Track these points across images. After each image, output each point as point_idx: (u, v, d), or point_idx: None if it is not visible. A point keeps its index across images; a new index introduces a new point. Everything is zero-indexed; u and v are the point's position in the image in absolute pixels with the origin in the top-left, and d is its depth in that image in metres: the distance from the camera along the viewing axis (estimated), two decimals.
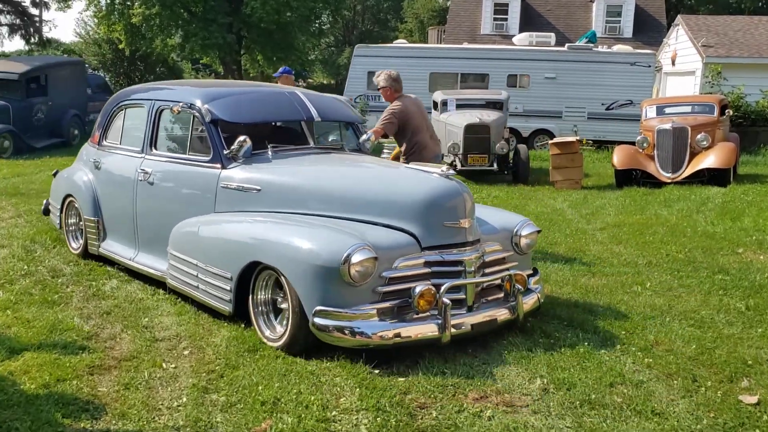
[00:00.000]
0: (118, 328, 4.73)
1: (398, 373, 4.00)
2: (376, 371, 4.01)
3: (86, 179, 6.48)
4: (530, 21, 27.64)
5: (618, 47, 19.51)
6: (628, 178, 11.98)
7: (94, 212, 6.27)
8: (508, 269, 4.60)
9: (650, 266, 6.53)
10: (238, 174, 5.01)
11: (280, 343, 4.30)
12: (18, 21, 23.93)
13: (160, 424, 3.43)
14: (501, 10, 27.86)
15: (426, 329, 4.10)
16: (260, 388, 3.76)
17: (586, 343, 4.44)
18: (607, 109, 17.99)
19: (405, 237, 4.27)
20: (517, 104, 17.65)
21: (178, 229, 5.14)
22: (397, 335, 4.05)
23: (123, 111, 6.33)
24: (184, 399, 3.67)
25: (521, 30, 25.54)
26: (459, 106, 13.57)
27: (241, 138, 4.99)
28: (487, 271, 4.55)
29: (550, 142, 12.70)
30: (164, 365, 4.12)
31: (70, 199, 6.70)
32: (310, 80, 50.47)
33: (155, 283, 5.57)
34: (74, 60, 20.35)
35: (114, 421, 3.44)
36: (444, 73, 18.68)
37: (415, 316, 4.13)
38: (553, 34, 21.25)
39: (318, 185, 4.80)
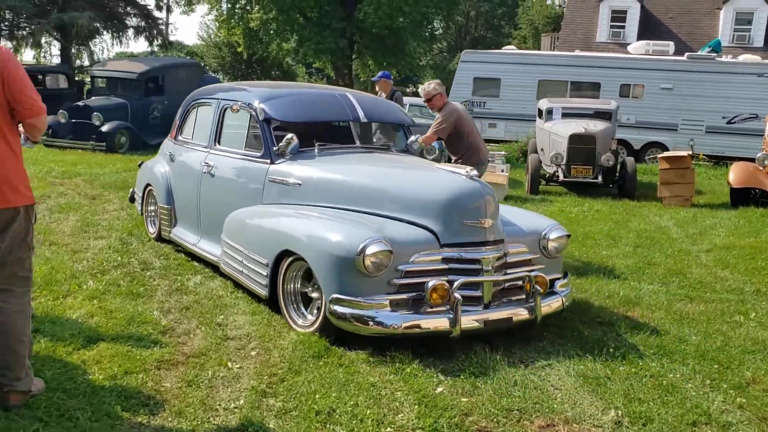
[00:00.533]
0: (193, 324, 4.80)
1: (462, 393, 3.83)
2: (440, 389, 3.85)
3: (163, 171, 6.97)
4: (649, 28, 26.46)
5: (744, 57, 18.32)
6: (745, 197, 11.11)
7: (167, 201, 6.77)
8: (530, 271, 4.63)
9: (758, 295, 6.00)
10: (283, 169, 5.34)
11: (312, 329, 4.54)
12: (143, 23, 25.28)
13: (213, 425, 3.42)
14: (619, 17, 26.87)
15: (437, 323, 4.25)
16: (317, 396, 3.69)
17: (671, 375, 4.10)
18: (729, 122, 16.93)
19: (424, 233, 4.44)
20: (629, 115, 16.93)
21: (230, 218, 5.50)
22: (408, 326, 4.21)
23: (196, 109, 6.74)
24: (242, 401, 3.65)
25: (639, 38, 24.50)
26: (565, 115, 13.14)
27: (289, 136, 5.30)
28: (510, 271, 4.63)
29: (659, 156, 12.03)
30: (229, 364, 4.13)
31: (150, 188, 7.24)
32: (420, 85, 50.29)
33: (238, 284, 5.64)
34: (191, 62, 21.25)
35: (170, 418, 3.46)
36: (553, 81, 18.19)
37: (429, 309, 4.27)
38: (671, 43, 20.23)
39: (351, 182, 5.09)
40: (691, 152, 12.49)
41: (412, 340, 4.35)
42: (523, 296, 4.62)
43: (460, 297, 4.21)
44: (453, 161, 6.42)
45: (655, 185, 11.84)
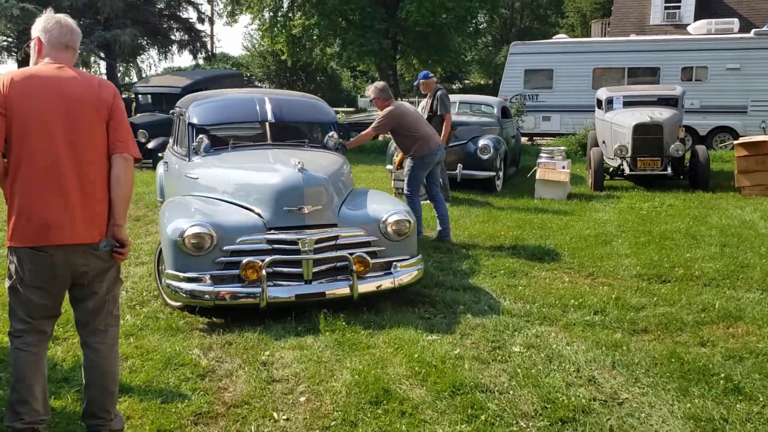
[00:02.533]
0: (236, 363, 4.30)
1: None
2: None
3: (160, 172, 8.28)
4: (707, 8, 25.09)
5: None
6: None
7: (160, 195, 8.25)
8: (351, 253, 5.05)
9: None
10: (192, 166, 6.12)
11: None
12: (186, 37, 25.25)
13: None
14: None
15: (246, 294, 4.86)
16: None
17: None
18: None
19: (253, 218, 5.08)
20: (693, 100, 15.92)
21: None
22: (218, 296, 4.86)
23: (177, 117, 7.47)
24: None
25: (696, 18, 23.22)
26: (627, 104, 12.30)
27: (200, 137, 6.18)
28: (339, 252, 5.09)
29: (736, 142, 11.09)
30: (275, 415, 3.61)
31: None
32: (466, 81, 49.68)
33: (284, 309, 5.14)
34: (233, 72, 21.05)
35: None
36: (609, 68, 17.33)
37: (245, 284, 4.87)
38: (736, 20, 19.08)
39: (222, 176, 5.77)
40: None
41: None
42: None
43: (265, 273, 4.78)
44: (407, 158, 7.39)
45: (728, 174, 10.98)
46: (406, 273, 5.27)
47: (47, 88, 2.97)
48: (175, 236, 4.90)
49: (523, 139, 16.64)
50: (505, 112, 12.75)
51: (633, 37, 20.02)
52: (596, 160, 11.42)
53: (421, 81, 9.51)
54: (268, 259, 4.83)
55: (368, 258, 5.06)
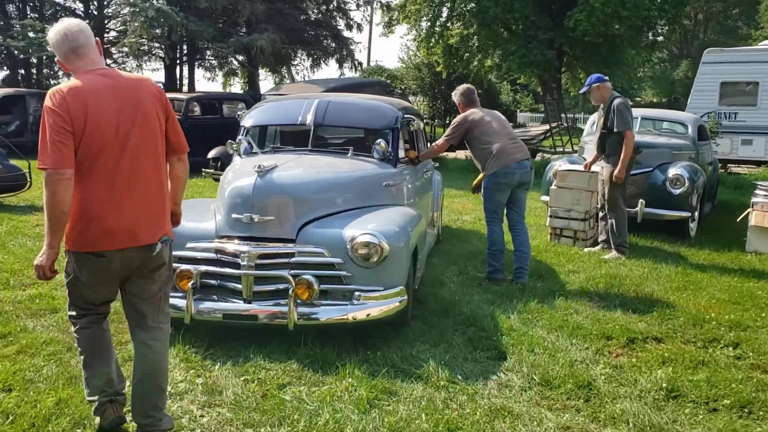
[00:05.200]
0: None
1: None
2: None
3: None
4: None
5: None
6: None
7: None
8: (298, 275, 4.35)
9: None
10: (229, 168, 5.48)
11: None
12: (333, 44, 24.10)
13: None
14: None
15: (174, 306, 4.18)
16: None
17: None
18: None
19: (206, 224, 4.63)
20: None
21: None
22: None
23: None
24: None
25: None
26: None
27: (239, 138, 5.83)
28: (278, 271, 4.40)
29: None
30: None
31: None
32: (638, 99, 45.88)
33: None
34: (375, 81, 19.66)
35: None
36: None
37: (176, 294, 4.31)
38: None
39: (224, 179, 5.06)
40: None
41: None
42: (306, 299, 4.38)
43: (191, 287, 4.33)
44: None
45: None
46: (368, 306, 4.38)
47: (100, 95, 2.94)
48: None
49: None
50: (701, 133, 9.94)
51: None
52: None
53: (593, 86, 7.14)
54: (197, 270, 4.38)
55: (315, 283, 4.32)
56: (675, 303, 5.55)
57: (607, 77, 7.35)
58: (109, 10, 23.36)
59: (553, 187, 7.91)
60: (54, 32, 2.99)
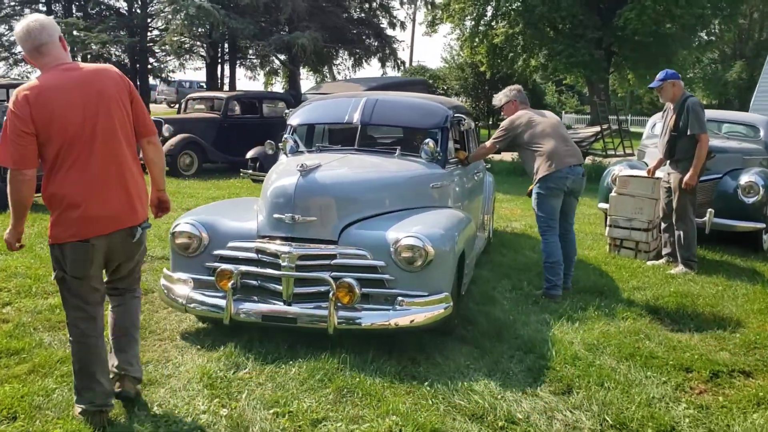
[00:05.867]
0: None
1: None
2: None
3: None
4: None
5: None
6: None
7: None
8: (341, 277, 4.15)
9: None
10: (275, 166, 5.28)
11: None
12: (376, 43, 23.62)
13: None
14: None
15: (215, 306, 4.32)
16: None
17: None
18: None
19: (249, 224, 4.53)
20: None
21: None
22: (190, 302, 4.40)
23: None
24: None
25: None
26: None
27: (285, 137, 5.74)
28: (320, 273, 4.24)
29: None
30: None
31: None
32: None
33: None
34: (416, 80, 19.21)
35: None
36: None
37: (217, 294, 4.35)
38: None
39: (267, 178, 4.91)
40: None
41: None
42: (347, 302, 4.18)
43: (231, 287, 4.23)
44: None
45: None
46: (412, 312, 4.19)
47: (64, 91, 3.04)
48: (170, 232, 4.66)
49: None
50: None
51: None
52: None
53: (668, 81, 6.53)
54: (237, 270, 4.28)
55: (356, 286, 4.12)
56: (759, 328, 4.93)
57: (677, 74, 6.73)
58: (152, 8, 23.29)
59: (613, 194, 7.30)
60: (18, 29, 3.09)
